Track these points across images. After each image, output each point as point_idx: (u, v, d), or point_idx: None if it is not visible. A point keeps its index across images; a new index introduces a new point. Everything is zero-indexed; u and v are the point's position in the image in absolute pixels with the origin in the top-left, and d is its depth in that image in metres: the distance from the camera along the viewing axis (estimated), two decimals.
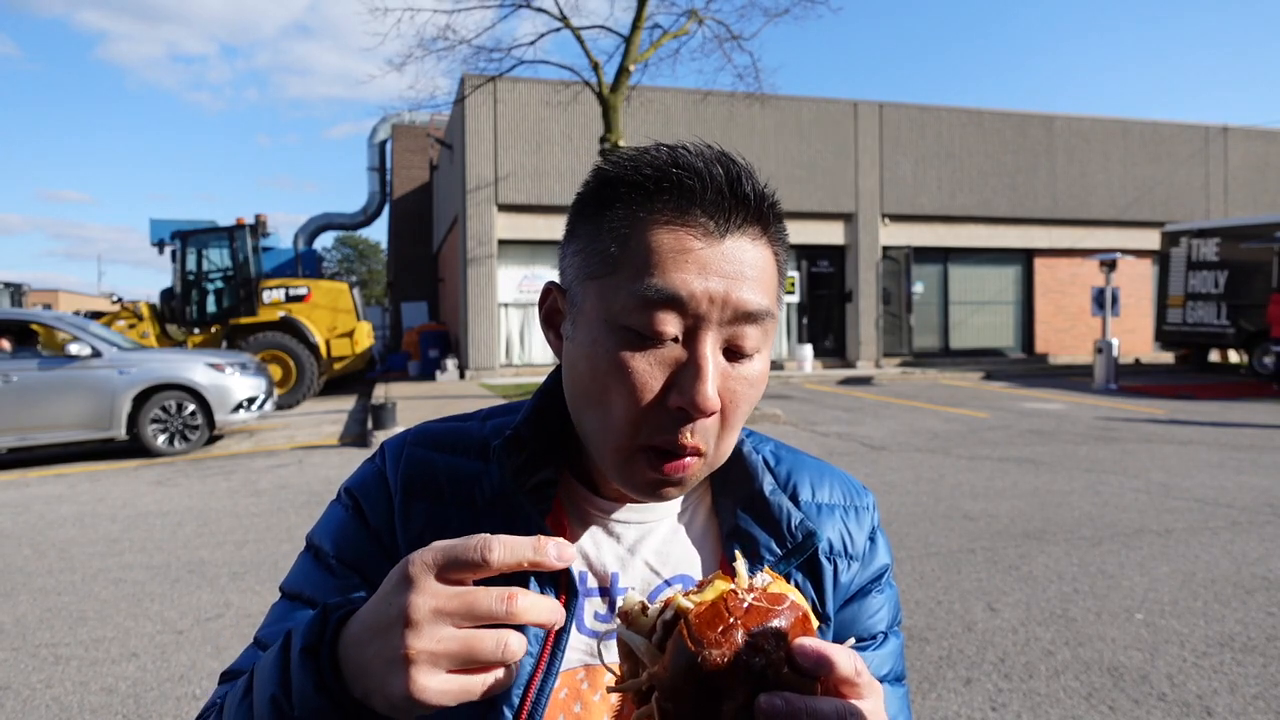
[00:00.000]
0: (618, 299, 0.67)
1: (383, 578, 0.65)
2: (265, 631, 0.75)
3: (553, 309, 0.75)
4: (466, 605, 0.51)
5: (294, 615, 0.74)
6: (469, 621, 0.51)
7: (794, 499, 0.80)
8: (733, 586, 0.53)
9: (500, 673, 0.53)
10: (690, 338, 0.66)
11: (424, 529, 0.74)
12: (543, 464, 0.75)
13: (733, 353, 0.68)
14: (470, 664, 0.51)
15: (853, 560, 0.80)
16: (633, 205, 0.68)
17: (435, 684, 0.51)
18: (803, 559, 0.76)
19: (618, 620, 0.56)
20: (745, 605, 0.51)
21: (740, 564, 0.56)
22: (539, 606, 0.53)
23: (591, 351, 0.68)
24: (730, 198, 0.67)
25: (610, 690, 0.56)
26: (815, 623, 0.54)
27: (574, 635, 0.72)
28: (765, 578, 0.55)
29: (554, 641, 0.70)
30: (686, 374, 0.65)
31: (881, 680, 0.79)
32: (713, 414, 0.66)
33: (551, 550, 0.53)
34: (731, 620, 0.50)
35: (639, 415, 0.66)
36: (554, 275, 0.74)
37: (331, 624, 0.56)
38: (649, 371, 0.66)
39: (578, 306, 0.71)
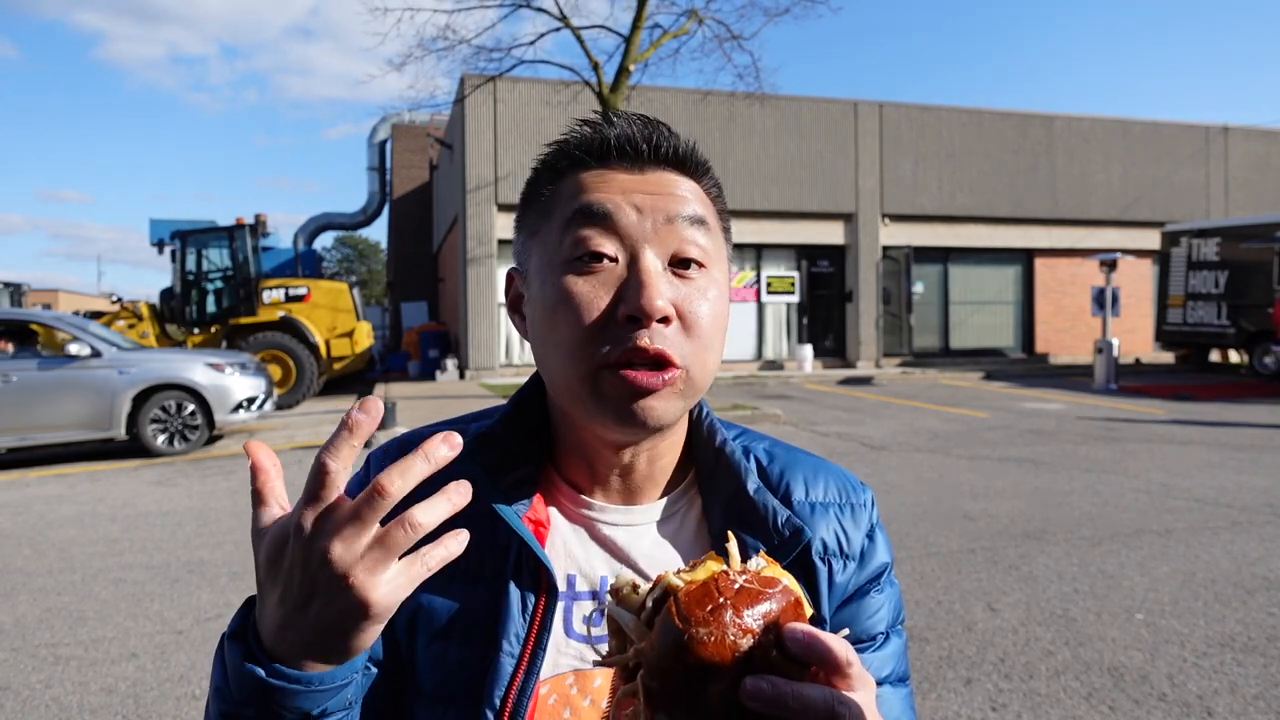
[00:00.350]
0: (554, 238, 0.70)
1: None
2: None
3: (516, 294, 0.78)
4: (347, 513, 0.51)
5: None
6: (367, 526, 0.51)
7: (787, 498, 0.79)
8: (725, 567, 0.52)
9: (437, 549, 0.54)
10: (631, 257, 0.68)
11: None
12: (520, 462, 0.75)
13: (679, 265, 0.70)
14: (396, 555, 0.52)
15: (849, 560, 0.78)
16: (559, 169, 0.73)
17: (383, 581, 0.51)
18: (792, 557, 0.74)
19: (609, 596, 0.55)
20: (736, 586, 0.50)
21: (733, 545, 0.55)
22: (408, 472, 0.51)
23: (541, 295, 0.71)
24: (646, 146, 0.72)
25: (596, 665, 0.56)
26: (808, 610, 0.53)
27: (563, 639, 0.72)
28: (759, 561, 0.54)
29: (535, 640, 0.70)
30: (630, 285, 0.67)
31: (884, 682, 0.77)
32: (665, 319, 0.67)
33: (360, 413, 0.51)
34: (721, 600, 0.49)
35: (591, 334, 0.67)
36: None
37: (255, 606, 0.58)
38: (593, 292, 0.67)
39: (528, 271, 0.74)
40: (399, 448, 0.80)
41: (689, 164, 0.73)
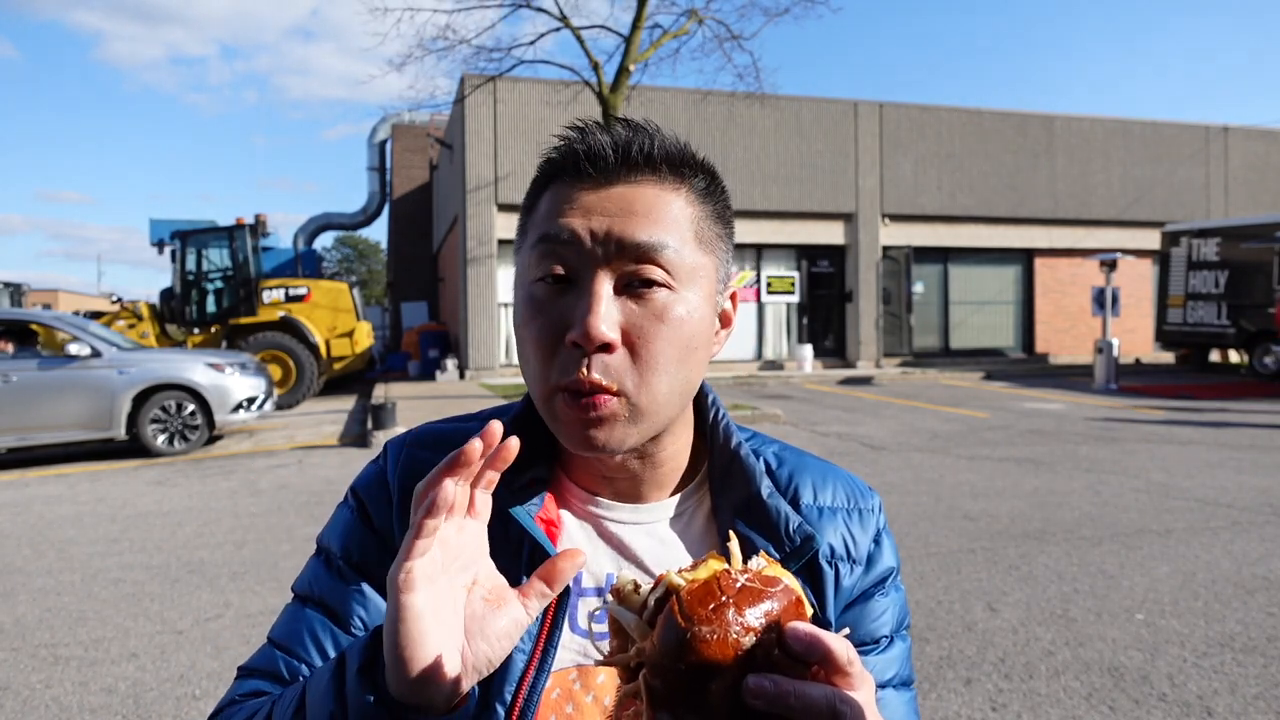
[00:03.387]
0: (525, 259, 0.72)
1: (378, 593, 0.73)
2: (279, 632, 0.76)
3: None
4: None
5: (305, 616, 0.75)
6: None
7: (795, 502, 0.79)
8: (726, 566, 0.53)
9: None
10: (581, 281, 0.68)
11: None
12: (532, 463, 0.76)
13: (635, 289, 0.69)
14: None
15: (855, 564, 0.79)
16: (540, 184, 0.74)
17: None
18: (802, 563, 0.75)
19: (609, 596, 0.55)
20: (738, 585, 0.51)
21: (734, 544, 0.56)
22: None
23: (517, 315, 0.73)
24: (613, 154, 0.70)
25: (598, 664, 0.56)
26: (809, 609, 0.53)
27: (567, 635, 0.72)
28: (760, 561, 0.54)
29: (547, 637, 0.70)
30: (577, 309, 0.67)
31: (887, 685, 0.78)
32: (606, 345, 0.66)
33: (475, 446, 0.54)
34: (724, 599, 0.49)
35: (547, 356, 0.69)
36: None
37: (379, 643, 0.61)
38: (548, 313, 0.69)
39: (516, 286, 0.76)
40: (415, 439, 0.82)
41: (667, 168, 0.71)
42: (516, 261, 0.76)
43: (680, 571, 0.53)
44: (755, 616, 0.49)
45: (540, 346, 0.69)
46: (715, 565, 0.53)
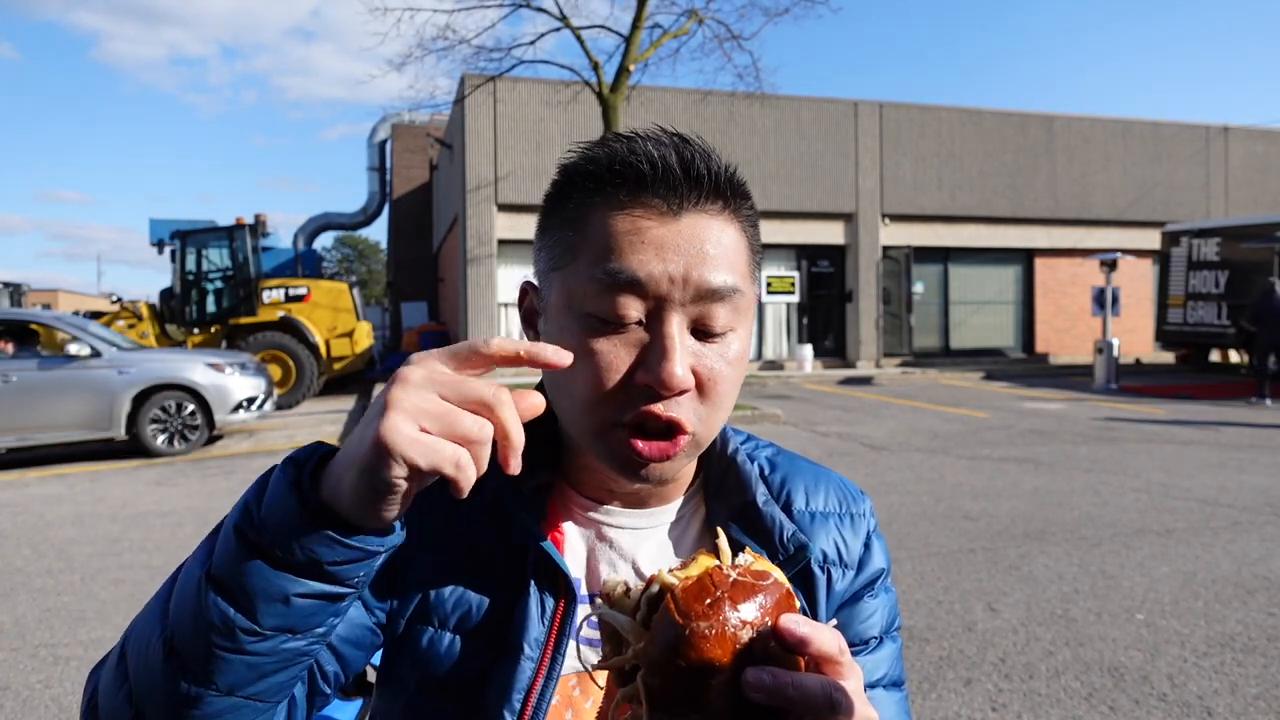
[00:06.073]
0: (579, 285, 0.67)
1: (379, 578, 0.70)
2: None
3: (530, 308, 0.76)
4: (457, 381, 0.52)
5: None
6: (456, 399, 0.52)
7: (788, 507, 0.80)
8: (717, 563, 0.53)
9: (469, 455, 0.51)
10: (654, 319, 0.66)
11: (420, 531, 0.74)
12: (537, 469, 0.75)
13: (703, 331, 0.67)
14: (449, 436, 0.51)
15: (847, 569, 0.80)
16: (588, 193, 0.69)
17: (407, 430, 0.50)
18: (795, 570, 0.75)
19: (599, 600, 0.55)
20: (731, 580, 0.51)
21: (722, 540, 0.56)
22: (522, 399, 0.54)
23: (559, 340, 0.68)
24: (683, 177, 0.67)
25: (593, 669, 0.56)
26: (798, 602, 0.54)
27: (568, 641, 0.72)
28: (748, 557, 0.55)
29: (554, 645, 0.70)
30: (653, 353, 0.65)
31: (877, 684, 0.79)
32: (683, 391, 0.66)
33: (549, 351, 0.55)
34: (718, 594, 0.50)
35: (608, 395, 0.66)
36: None
37: (324, 449, 0.58)
38: (614, 353, 0.66)
39: (546, 299, 0.72)
40: None
41: (727, 194, 0.69)
42: (552, 280, 0.71)
43: (671, 570, 0.53)
44: (750, 610, 0.50)
45: (599, 387, 0.66)
46: (706, 562, 0.53)
